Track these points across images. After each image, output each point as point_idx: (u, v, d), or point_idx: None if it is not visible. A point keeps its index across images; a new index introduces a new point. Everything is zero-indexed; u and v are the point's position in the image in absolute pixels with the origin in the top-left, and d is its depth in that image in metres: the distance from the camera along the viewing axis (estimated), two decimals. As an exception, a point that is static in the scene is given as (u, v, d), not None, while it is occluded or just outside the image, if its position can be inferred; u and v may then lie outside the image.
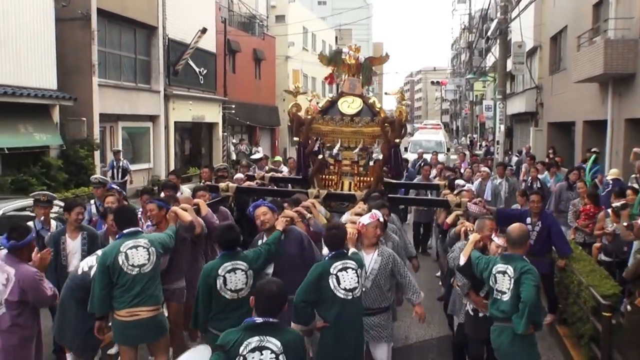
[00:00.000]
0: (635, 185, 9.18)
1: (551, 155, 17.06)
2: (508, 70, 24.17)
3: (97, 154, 16.87)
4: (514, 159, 21.24)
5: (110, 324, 5.39)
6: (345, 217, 6.49)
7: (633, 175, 10.12)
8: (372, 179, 7.97)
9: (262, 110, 31.97)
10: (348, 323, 4.78)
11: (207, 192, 7.51)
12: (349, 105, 7.93)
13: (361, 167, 8.04)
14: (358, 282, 4.81)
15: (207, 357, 3.86)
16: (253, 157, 20.80)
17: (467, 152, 26.00)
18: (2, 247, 5.24)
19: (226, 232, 5.11)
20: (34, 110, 14.83)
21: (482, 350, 5.59)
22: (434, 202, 9.14)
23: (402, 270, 5.44)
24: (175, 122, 22.59)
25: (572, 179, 10.70)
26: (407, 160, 15.33)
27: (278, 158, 16.33)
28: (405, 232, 7.80)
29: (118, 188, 8.46)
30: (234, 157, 26.02)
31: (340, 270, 4.78)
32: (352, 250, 5.07)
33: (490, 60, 36.28)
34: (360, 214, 5.92)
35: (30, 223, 6.70)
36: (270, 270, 5.44)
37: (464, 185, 8.58)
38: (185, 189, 9.38)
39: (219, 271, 4.89)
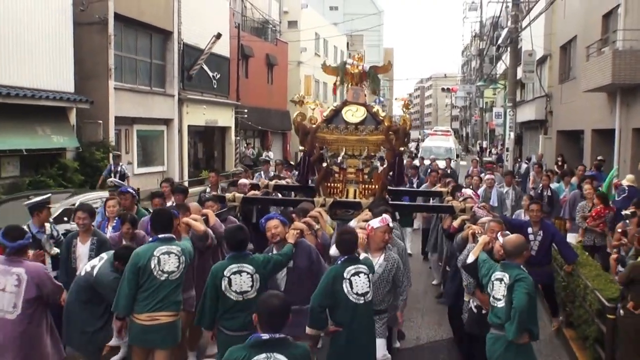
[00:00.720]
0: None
1: (559, 163, 17.13)
2: (518, 78, 24.30)
3: (112, 156, 17.10)
4: (524, 166, 21.06)
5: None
6: (352, 224, 6.57)
7: None
8: (376, 186, 8.06)
9: (274, 115, 32.28)
10: (360, 326, 4.91)
11: (215, 203, 7.47)
12: (353, 114, 7.99)
13: (366, 174, 8.13)
14: (369, 286, 4.97)
15: None
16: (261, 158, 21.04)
17: (478, 159, 26.02)
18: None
19: (235, 232, 5.23)
20: (52, 112, 15.08)
21: (483, 349, 5.70)
22: (439, 209, 9.09)
23: (401, 278, 5.68)
24: (188, 126, 22.82)
25: (587, 189, 10.03)
26: (416, 167, 15.35)
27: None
28: (405, 237, 7.95)
29: (133, 192, 8.21)
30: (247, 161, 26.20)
31: (354, 274, 4.92)
32: (363, 255, 5.22)
33: (500, 67, 36.38)
34: (367, 221, 6.04)
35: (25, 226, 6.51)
36: (283, 282, 5.57)
37: (469, 196, 8.66)
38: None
39: (225, 272, 4.98)
